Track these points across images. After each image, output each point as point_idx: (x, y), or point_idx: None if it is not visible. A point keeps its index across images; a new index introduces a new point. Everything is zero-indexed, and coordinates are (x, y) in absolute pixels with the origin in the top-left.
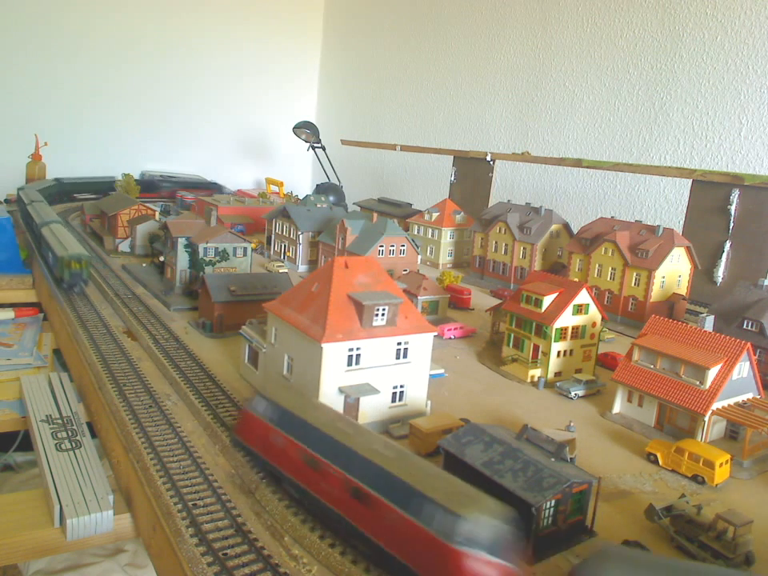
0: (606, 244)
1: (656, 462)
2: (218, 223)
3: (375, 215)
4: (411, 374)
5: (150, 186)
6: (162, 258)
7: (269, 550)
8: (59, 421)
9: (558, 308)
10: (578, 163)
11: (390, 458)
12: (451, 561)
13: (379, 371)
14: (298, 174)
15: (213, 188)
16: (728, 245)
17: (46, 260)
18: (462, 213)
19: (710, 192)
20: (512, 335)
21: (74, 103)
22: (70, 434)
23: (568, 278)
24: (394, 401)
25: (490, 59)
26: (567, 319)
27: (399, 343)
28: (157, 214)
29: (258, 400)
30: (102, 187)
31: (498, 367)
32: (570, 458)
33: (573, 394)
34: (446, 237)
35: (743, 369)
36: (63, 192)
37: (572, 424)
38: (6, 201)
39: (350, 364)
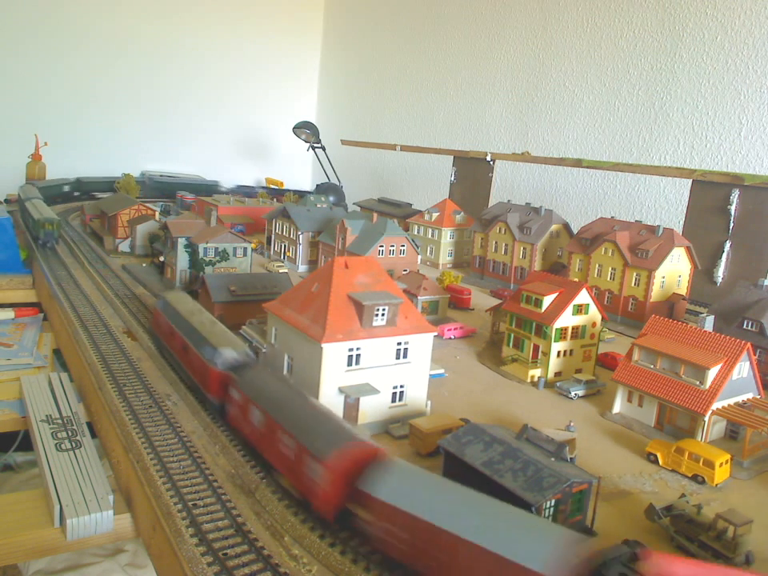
0: (605, 244)
1: (656, 461)
2: (218, 223)
3: (375, 215)
4: (411, 374)
5: (247, 191)
6: (162, 258)
7: (269, 549)
8: (59, 421)
9: (558, 308)
10: (578, 163)
11: (205, 326)
12: (208, 375)
13: (379, 371)
14: (298, 174)
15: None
16: (728, 245)
17: (27, 225)
18: (462, 213)
19: (710, 192)
20: (512, 335)
21: (74, 103)
22: (70, 433)
23: (568, 278)
24: (393, 401)
25: (490, 59)
26: (567, 319)
27: (399, 343)
28: (157, 214)
29: (160, 300)
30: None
31: (498, 367)
32: (570, 458)
33: (573, 393)
34: (446, 237)
35: (743, 369)
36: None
37: (572, 424)
38: (6, 201)
39: (350, 364)
